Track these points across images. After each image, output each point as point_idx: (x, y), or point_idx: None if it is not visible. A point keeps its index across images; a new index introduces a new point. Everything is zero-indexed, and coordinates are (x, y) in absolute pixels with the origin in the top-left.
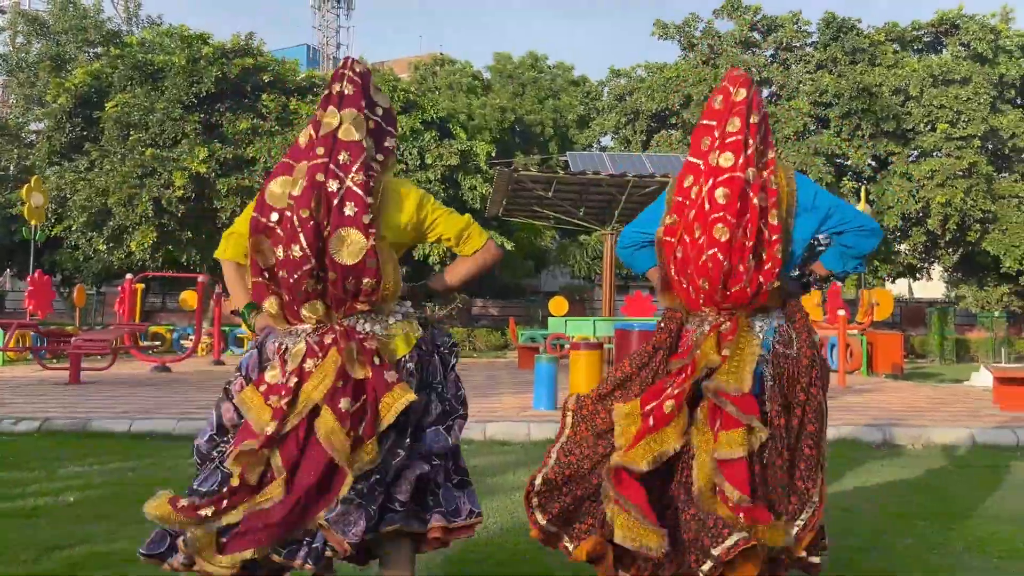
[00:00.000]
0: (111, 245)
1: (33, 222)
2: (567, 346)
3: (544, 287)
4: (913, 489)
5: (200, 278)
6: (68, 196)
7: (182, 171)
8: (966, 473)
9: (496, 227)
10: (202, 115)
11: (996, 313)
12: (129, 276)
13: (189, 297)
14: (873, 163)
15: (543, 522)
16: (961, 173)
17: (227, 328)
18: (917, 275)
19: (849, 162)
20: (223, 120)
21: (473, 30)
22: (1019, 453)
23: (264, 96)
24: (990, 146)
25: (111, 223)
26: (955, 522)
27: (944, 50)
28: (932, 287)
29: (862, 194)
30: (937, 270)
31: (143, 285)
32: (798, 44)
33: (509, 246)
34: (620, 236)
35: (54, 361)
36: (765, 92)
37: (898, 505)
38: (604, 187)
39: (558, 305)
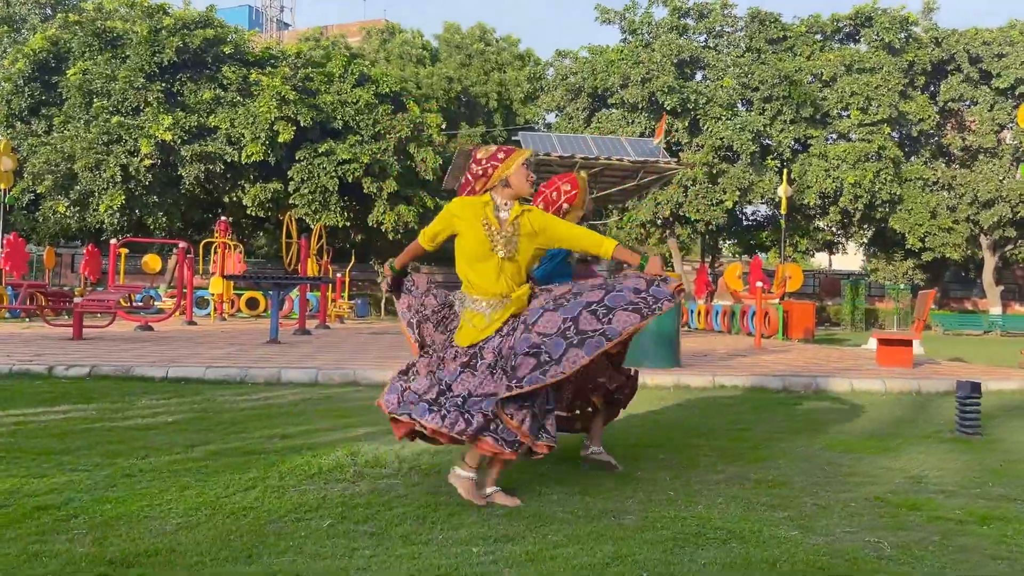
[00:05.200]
0: (77, 208)
1: (2, 186)
2: None
3: None
4: (801, 414)
5: (181, 244)
6: (26, 158)
7: (148, 138)
8: (841, 408)
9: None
10: (164, 84)
11: (902, 285)
12: (113, 241)
13: (151, 260)
14: (794, 144)
15: None
16: (871, 156)
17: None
18: (835, 249)
19: (772, 143)
20: (185, 90)
21: None
22: (884, 395)
23: (225, 68)
24: (898, 132)
25: (77, 187)
26: (816, 435)
27: (860, 41)
28: (850, 260)
29: (784, 175)
30: (852, 246)
31: (126, 249)
32: (730, 29)
33: None
34: None
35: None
36: (698, 75)
37: (791, 424)
38: (554, 167)
39: None
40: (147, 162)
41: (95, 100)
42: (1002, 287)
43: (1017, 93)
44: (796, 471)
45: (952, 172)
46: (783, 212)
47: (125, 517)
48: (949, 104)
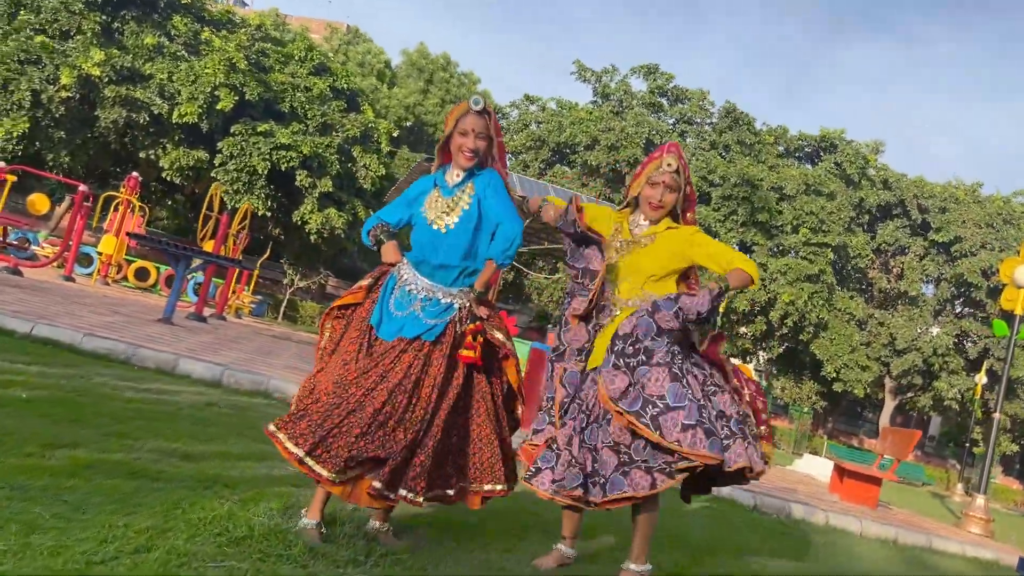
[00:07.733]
0: None
1: None
2: None
3: None
4: (816, 548)
5: (81, 187)
6: None
7: (72, 68)
8: (840, 546)
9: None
10: (105, 17)
11: (805, 409)
12: (1, 164)
13: (38, 200)
14: (737, 247)
15: None
16: (810, 277)
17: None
18: (748, 359)
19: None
20: (126, 29)
21: (384, 6)
22: (861, 537)
23: (176, 17)
24: (837, 261)
25: None
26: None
27: (819, 164)
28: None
29: None
30: (761, 357)
31: (14, 177)
32: (699, 120)
33: None
34: None
35: None
36: None
37: (807, 556)
38: None
39: None
40: (64, 93)
41: (20, 12)
42: None
43: (952, 250)
44: None
45: (870, 310)
46: (721, 311)
47: None
48: (883, 245)
